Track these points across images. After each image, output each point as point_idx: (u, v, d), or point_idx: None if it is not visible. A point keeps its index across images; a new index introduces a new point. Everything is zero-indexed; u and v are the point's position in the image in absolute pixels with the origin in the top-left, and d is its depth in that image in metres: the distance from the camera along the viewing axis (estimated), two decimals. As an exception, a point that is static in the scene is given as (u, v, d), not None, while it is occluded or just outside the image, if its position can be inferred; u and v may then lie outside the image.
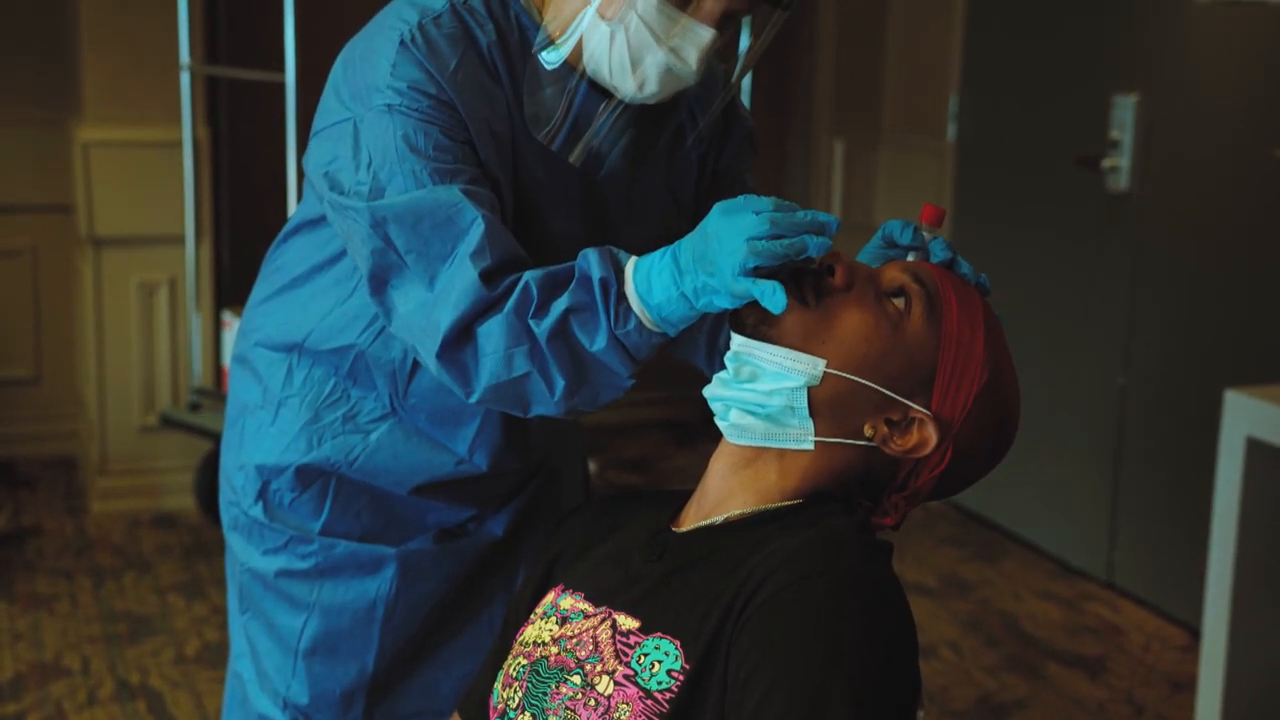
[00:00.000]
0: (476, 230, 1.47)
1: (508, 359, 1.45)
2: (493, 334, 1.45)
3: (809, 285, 1.39)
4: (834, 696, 1.19)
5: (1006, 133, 4.51)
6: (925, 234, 1.49)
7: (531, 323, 1.44)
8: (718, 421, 1.42)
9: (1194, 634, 3.74)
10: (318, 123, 1.61)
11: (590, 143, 1.58)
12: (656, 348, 1.46)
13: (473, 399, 1.49)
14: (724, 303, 1.38)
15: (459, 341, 1.47)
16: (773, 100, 5.30)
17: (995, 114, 4.56)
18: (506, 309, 1.45)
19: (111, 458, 4.45)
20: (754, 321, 1.38)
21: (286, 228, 1.78)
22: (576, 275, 1.44)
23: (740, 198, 1.39)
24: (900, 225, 1.50)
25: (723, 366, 1.68)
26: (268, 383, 1.76)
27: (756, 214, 1.36)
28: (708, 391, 1.42)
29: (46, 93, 4.64)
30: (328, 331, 1.71)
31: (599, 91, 1.57)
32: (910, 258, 1.48)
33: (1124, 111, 3.95)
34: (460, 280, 1.46)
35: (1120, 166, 3.97)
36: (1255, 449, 2.70)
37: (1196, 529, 3.42)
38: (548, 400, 1.47)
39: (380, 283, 1.52)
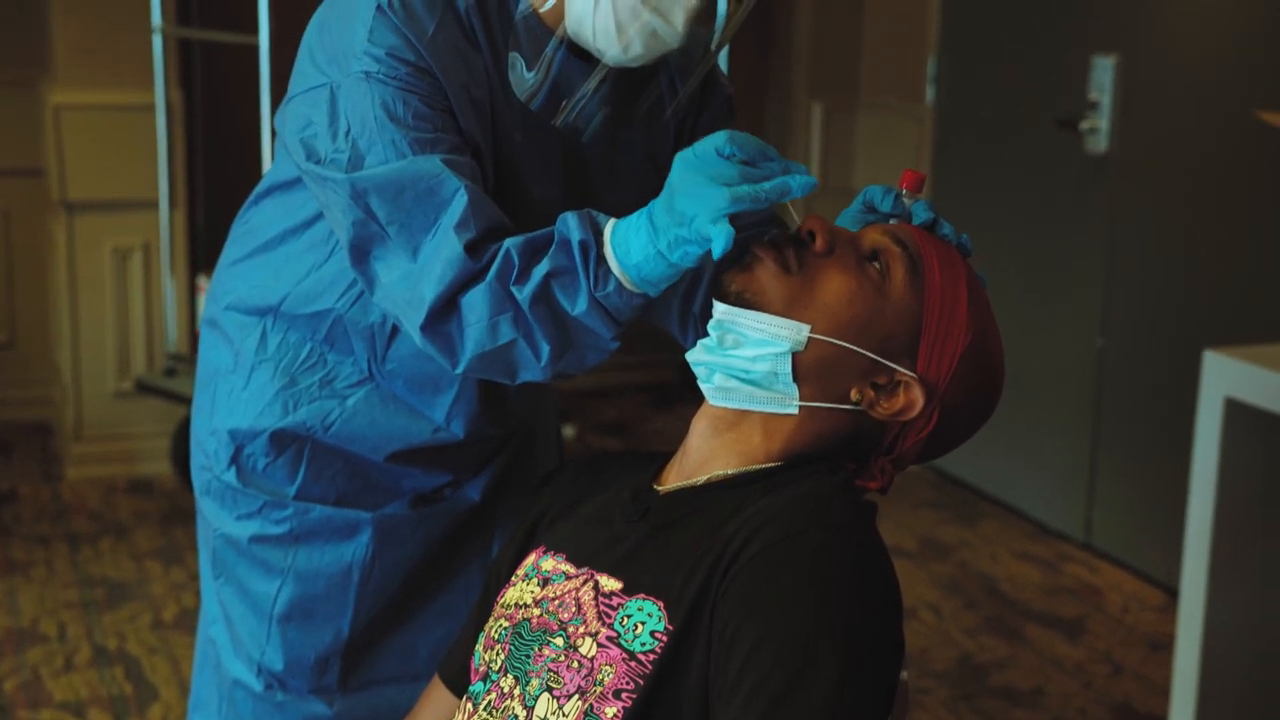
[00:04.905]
0: (459, 201, 1.45)
1: (492, 327, 1.44)
2: (476, 303, 1.44)
3: (790, 251, 1.37)
4: (823, 651, 1.19)
5: (985, 95, 4.49)
6: (906, 200, 1.48)
7: (514, 289, 1.43)
8: (701, 384, 1.41)
9: (1171, 594, 3.75)
10: (293, 86, 1.59)
11: (572, 106, 1.56)
12: (639, 309, 1.44)
13: (459, 369, 1.48)
14: (697, 251, 1.37)
15: (443, 314, 1.46)
16: (750, 63, 5.27)
17: (974, 76, 4.54)
18: (489, 277, 1.44)
19: (87, 423, 4.42)
20: (737, 289, 1.37)
21: (258, 189, 1.76)
22: (556, 239, 1.43)
23: (697, 143, 1.37)
24: (881, 191, 1.49)
25: (696, 333, 1.66)
26: (239, 347, 1.74)
27: (720, 155, 1.35)
28: (690, 357, 1.41)
29: (17, 54, 4.58)
30: (304, 296, 1.69)
31: (580, 54, 1.55)
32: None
33: (1103, 73, 3.94)
34: (444, 252, 1.44)
35: (1099, 128, 3.96)
36: (1234, 410, 2.69)
37: (1174, 490, 3.42)
38: (534, 366, 1.46)
39: (362, 253, 1.51)
